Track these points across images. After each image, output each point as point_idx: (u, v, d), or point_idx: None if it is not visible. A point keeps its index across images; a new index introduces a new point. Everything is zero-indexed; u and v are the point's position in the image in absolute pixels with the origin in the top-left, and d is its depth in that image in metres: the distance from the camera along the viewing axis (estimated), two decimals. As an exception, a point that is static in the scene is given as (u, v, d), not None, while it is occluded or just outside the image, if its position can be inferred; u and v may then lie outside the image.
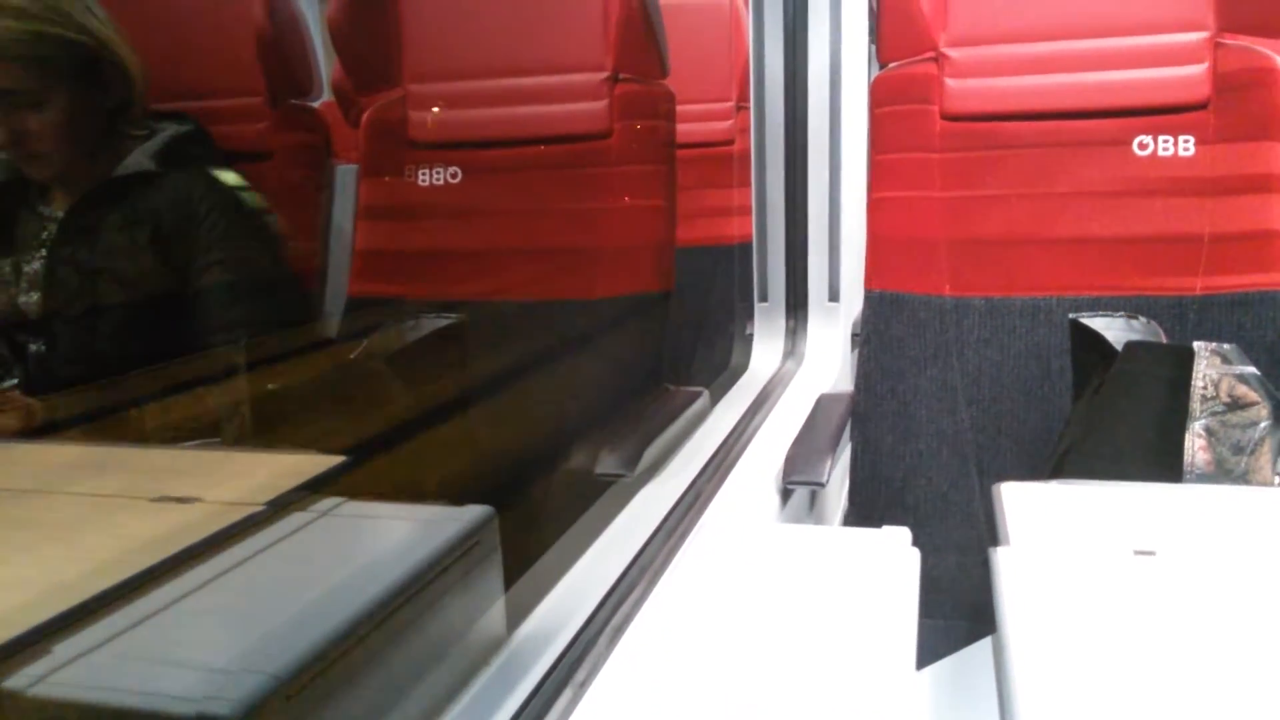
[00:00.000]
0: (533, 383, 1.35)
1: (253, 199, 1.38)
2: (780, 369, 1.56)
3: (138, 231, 1.28)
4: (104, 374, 1.27)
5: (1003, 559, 0.65)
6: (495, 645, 0.73)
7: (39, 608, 0.57)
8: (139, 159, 1.30)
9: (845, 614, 0.61)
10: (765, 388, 1.45)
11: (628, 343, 1.37)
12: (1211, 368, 0.84)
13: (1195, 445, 0.82)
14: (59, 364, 1.30)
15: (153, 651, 0.55)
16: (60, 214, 1.30)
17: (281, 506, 0.73)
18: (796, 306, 1.62)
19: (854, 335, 1.59)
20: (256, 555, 0.67)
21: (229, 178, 1.38)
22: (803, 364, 1.57)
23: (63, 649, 0.54)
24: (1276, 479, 0.85)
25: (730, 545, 0.71)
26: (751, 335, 1.62)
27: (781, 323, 1.61)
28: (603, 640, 0.74)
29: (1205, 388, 0.83)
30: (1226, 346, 0.86)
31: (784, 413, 1.34)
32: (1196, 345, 0.86)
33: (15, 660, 0.52)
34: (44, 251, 1.30)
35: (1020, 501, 0.73)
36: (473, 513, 0.72)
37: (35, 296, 1.30)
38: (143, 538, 0.69)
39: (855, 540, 0.68)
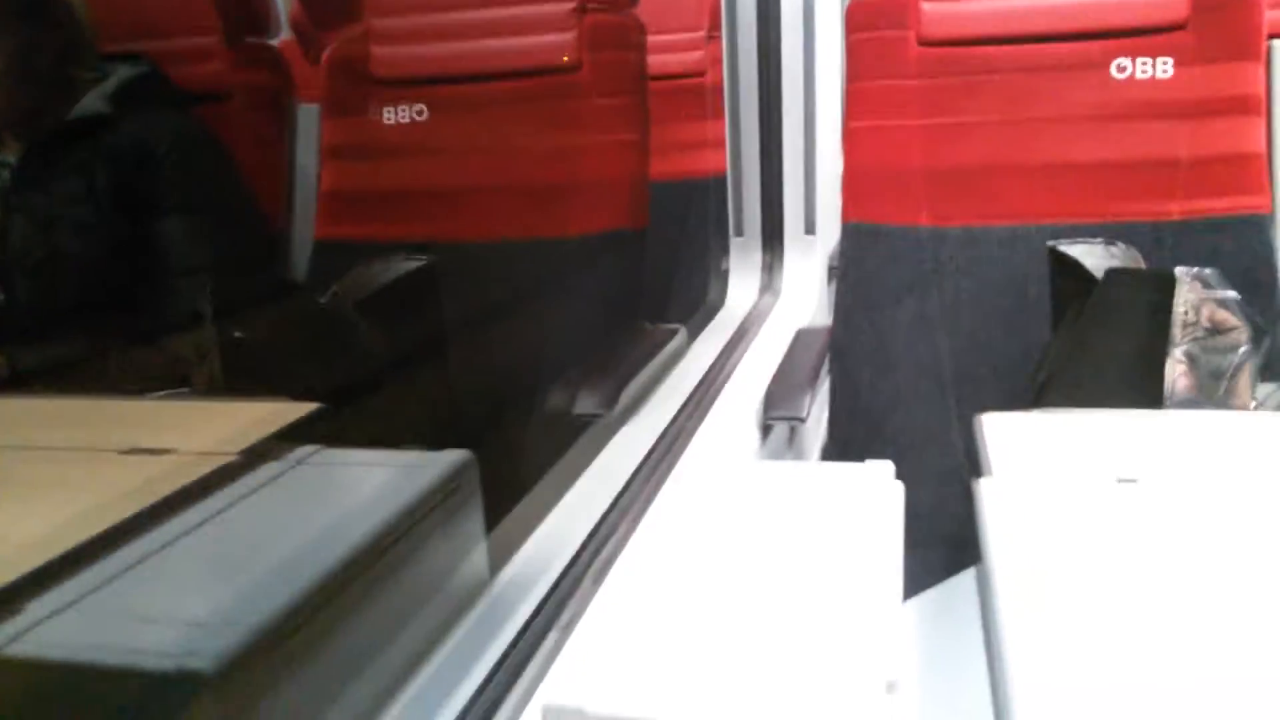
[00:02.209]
0: (508, 324, 1.33)
1: (212, 141, 1.34)
2: (757, 304, 1.55)
3: (94, 176, 1.25)
4: (65, 323, 1.25)
5: (985, 490, 0.65)
6: (479, 589, 0.72)
7: (11, 565, 0.56)
8: (93, 102, 1.26)
9: (830, 549, 0.61)
10: (742, 323, 1.45)
11: (603, 280, 1.35)
12: (1192, 293, 0.84)
13: (1176, 371, 0.82)
14: (19, 314, 1.27)
15: (131, 607, 0.54)
16: (13, 160, 1.26)
17: (256, 455, 0.72)
18: (772, 240, 1.60)
19: (831, 268, 1.58)
20: (233, 505, 0.66)
21: (187, 119, 1.34)
22: (779, 298, 1.56)
23: (37, 606, 0.53)
24: (1254, 403, 0.85)
25: (712, 483, 0.70)
26: (728, 270, 1.61)
27: (757, 257, 1.60)
28: (587, 581, 0.74)
29: (1186, 313, 0.83)
30: (1207, 271, 0.86)
31: (762, 348, 1.33)
32: (1178, 271, 0.86)
33: (-12, 620, 0.51)
34: (-2, 200, 1.26)
35: (1002, 431, 0.73)
36: (452, 457, 0.71)
37: (-8, 246, 1.26)
38: (116, 490, 0.68)
39: (839, 475, 0.68)
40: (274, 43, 1.57)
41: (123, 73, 1.30)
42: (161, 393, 1.12)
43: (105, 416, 0.88)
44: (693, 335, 1.37)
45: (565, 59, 1.36)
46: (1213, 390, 0.82)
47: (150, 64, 1.35)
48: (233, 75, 1.49)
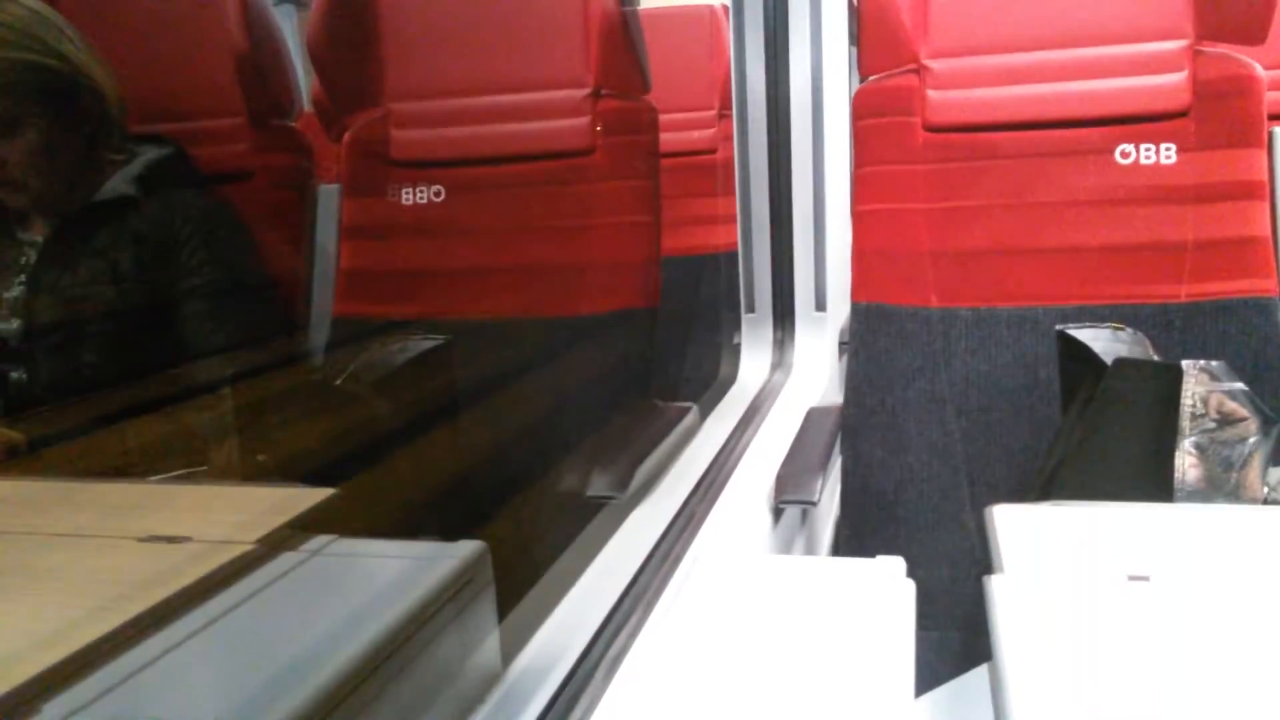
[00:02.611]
0: (521, 403, 1.34)
1: (235, 221, 1.37)
2: (769, 380, 1.56)
3: (119, 257, 1.27)
4: (85, 402, 1.26)
5: (997, 586, 0.65)
6: (492, 680, 0.72)
7: (27, 661, 0.56)
8: (118, 184, 1.29)
9: (842, 646, 0.61)
10: (754, 400, 1.45)
11: (615, 359, 1.37)
12: (1200, 385, 0.84)
13: (1186, 463, 0.82)
14: (41, 392, 1.29)
15: (146, 707, 0.54)
16: (39, 239, 1.29)
17: (273, 545, 0.73)
18: (783, 316, 1.62)
19: (842, 344, 1.59)
20: (250, 599, 0.66)
21: (210, 201, 1.37)
22: (791, 374, 1.57)
23: (51, 708, 0.53)
24: (1266, 490, 0.85)
25: (725, 576, 0.71)
26: (739, 345, 1.62)
27: (769, 333, 1.61)
28: (600, 673, 0.74)
29: (1194, 405, 0.84)
30: (1214, 364, 0.86)
31: (774, 426, 1.34)
32: (1185, 364, 0.86)
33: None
34: (24, 278, 1.29)
35: (1013, 525, 0.73)
36: (465, 548, 0.72)
37: (16, 324, 1.28)
38: (134, 581, 0.68)
39: (850, 571, 0.68)
40: (294, 124, 1.61)
41: (148, 154, 1.33)
42: (179, 472, 1.13)
43: (123, 500, 0.89)
44: (705, 412, 1.38)
45: (579, 143, 1.39)
46: (1223, 481, 0.82)
47: (175, 145, 1.38)
48: (256, 156, 1.53)
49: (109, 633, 0.60)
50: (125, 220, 1.28)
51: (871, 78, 1.33)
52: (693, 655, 0.61)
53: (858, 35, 1.40)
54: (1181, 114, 1.22)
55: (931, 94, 1.28)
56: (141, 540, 0.75)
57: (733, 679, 0.58)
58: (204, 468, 1.16)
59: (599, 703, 0.66)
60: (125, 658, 0.58)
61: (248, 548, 0.72)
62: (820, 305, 1.60)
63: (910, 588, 0.65)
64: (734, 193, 1.66)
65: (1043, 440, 1.20)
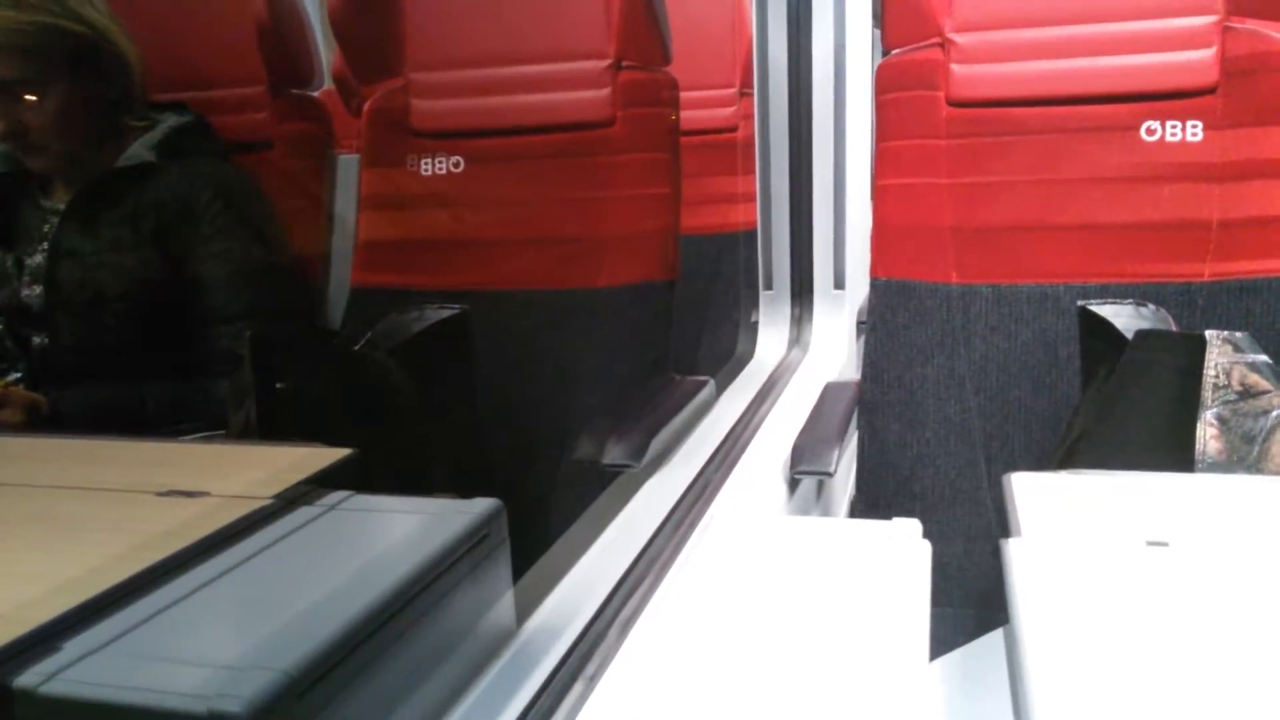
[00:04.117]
0: (538, 373, 1.34)
1: (254, 190, 1.37)
2: (786, 357, 1.55)
3: (139, 223, 1.28)
4: (106, 365, 1.27)
5: (1014, 550, 0.65)
6: (505, 637, 0.73)
7: (49, 604, 0.57)
8: (140, 150, 1.29)
9: (857, 607, 0.61)
10: (771, 376, 1.45)
11: (633, 331, 1.37)
12: (1223, 356, 0.83)
13: (1207, 434, 0.82)
14: (62, 356, 1.30)
15: (164, 648, 0.55)
16: (61, 206, 1.30)
17: (290, 500, 0.73)
18: (801, 294, 1.61)
19: (859, 323, 1.58)
20: (267, 549, 0.66)
21: (230, 169, 1.38)
22: (808, 352, 1.57)
23: (73, 646, 0.54)
24: (1287, 466, 0.84)
25: (740, 537, 0.70)
26: (757, 323, 1.62)
27: (787, 310, 1.61)
28: (613, 632, 0.74)
29: (1217, 376, 0.83)
30: (1238, 335, 0.85)
31: (790, 401, 1.34)
32: (1208, 334, 0.85)
33: (25, 657, 0.52)
34: (46, 244, 1.29)
35: (1031, 492, 0.73)
36: (481, 505, 0.72)
37: (38, 290, 1.29)
38: (153, 531, 0.69)
39: (866, 532, 0.68)
40: (315, 94, 1.61)
41: (170, 121, 1.34)
42: (199, 435, 1.14)
43: (141, 458, 0.90)
44: (721, 387, 1.38)
45: (599, 115, 1.39)
46: (1245, 454, 0.81)
47: (195, 113, 1.39)
48: (275, 125, 1.54)
49: (129, 578, 0.61)
50: (146, 187, 1.29)
51: (895, 51, 1.32)
52: (706, 615, 0.61)
53: (881, 9, 1.39)
54: (1209, 90, 1.20)
55: (955, 68, 1.27)
56: (160, 494, 0.76)
57: (746, 638, 0.58)
58: (221, 432, 1.16)
59: (612, 660, 0.66)
60: (144, 601, 0.59)
61: (265, 502, 0.73)
62: (839, 283, 1.60)
63: (926, 549, 0.64)
64: (754, 171, 1.65)
65: (1061, 419, 1.20)
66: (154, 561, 0.63)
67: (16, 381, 1.28)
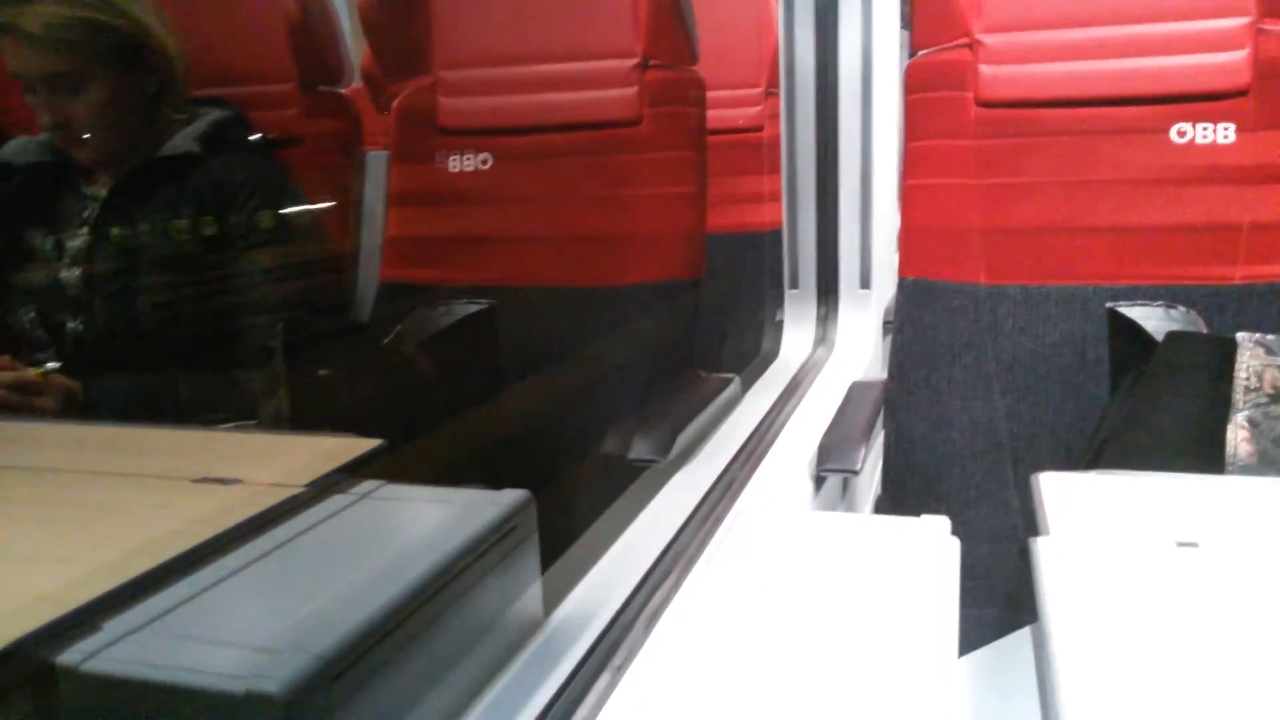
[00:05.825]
0: (564, 369, 1.35)
1: (290, 183, 1.39)
2: (811, 356, 1.55)
3: (178, 212, 1.30)
4: (142, 352, 1.29)
5: (1043, 549, 0.65)
6: (534, 627, 0.73)
7: (91, 585, 0.58)
8: (184, 141, 1.32)
9: (885, 602, 0.61)
10: (796, 375, 1.45)
11: (659, 328, 1.37)
12: (1255, 358, 0.83)
13: (1238, 437, 0.81)
14: (98, 342, 1.32)
15: (203, 629, 0.56)
16: (103, 194, 1.32)
17: (322, 489, 0.74)
18: (827, 293, 1.61)
19: (886, 323, 1.58)
20: (300, 536, 0.67)
21: (267, 162, 1.39)
22: (834, 351, 1.57)
23: (114, 626, 0.55)
24: (1318, 471, 0.84)
25: (766, 533, 0.71)
26: (782, 322, 1.62)
27: (812, 309, 1.61)
28: (640, 624, 0.74)
29: (1248, 379, 0.82)
30: (1270, 337, 0.85)
31: (816, 400, 1.34)
32: (1240, 336, 0.85)
33: (68, 637, 0.53)
34: (86, 230, 1.32)
35: (1059, 491, 0.73)
36: (511, 497, 0.73)
37: (77, 271, 1.31)
38: (189, 517, 0.70)
39: (894, 529, 0.68)
40: (344, 91, 1.63)
41: (212, 115, 1.36)
42: (231, 424, 1.15)
43: (177, 445, 0.91)
44: (747, 385, 1.38)
45: (626, 113, 1.39)
46: (1276, 457, 0.80)
47: (234, 108, 1.41)
48: (306, 122, 1.55)
49: (167, 561, 0.62)
50: (185, 178, 1.31)
51: (923, 51, 1.32)
52: (733, 609, 0.62)
53: (910, 9, 1.39)
54: (1241, 93, 1.19)
55: (984, 69, 1.26)
56: (195, 481, 0.77)
57: (773, 632, 0.59)
58: (254, 421, 1.18)
59: (639, 652, 0.66)
60: (182, 584, 0.60)
61: (298, 490, 0.74)
62: (865, 282, 1.60)
63: (955, 546, 0.65)
64: (779, 171, 1.65)
65: (1089, 421, 1.19)
66: (191, 546, 0.64)
67: (55, 370, 1.30)
